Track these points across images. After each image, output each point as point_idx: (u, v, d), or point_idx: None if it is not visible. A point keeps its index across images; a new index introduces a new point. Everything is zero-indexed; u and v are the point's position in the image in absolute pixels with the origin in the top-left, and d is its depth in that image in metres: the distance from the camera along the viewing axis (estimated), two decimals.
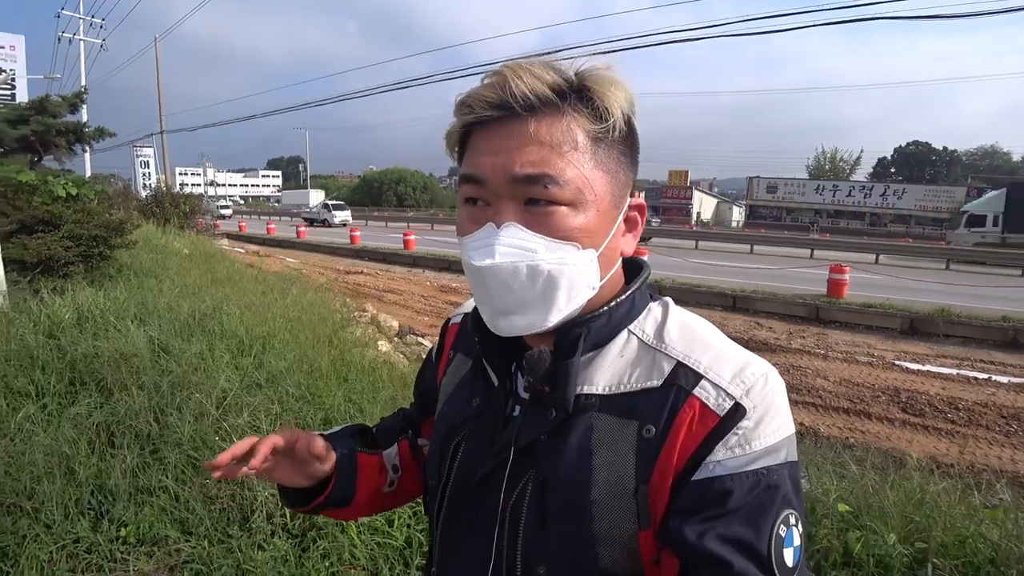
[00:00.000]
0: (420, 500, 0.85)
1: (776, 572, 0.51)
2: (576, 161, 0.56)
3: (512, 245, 0.56)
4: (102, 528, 2.14)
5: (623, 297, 0.64)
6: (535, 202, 0.56)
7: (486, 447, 0.65)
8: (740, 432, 0.54)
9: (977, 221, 25.66)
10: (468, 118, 0.58)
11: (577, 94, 0.57)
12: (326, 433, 0.79)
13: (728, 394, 0.56)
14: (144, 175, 25.84)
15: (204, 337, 3.72)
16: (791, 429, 0.58)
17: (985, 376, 7.08)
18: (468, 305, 0.83)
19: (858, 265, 15.26)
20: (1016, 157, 65.96)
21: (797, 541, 0.54)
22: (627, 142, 0.61)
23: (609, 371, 0.61)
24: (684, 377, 0.58)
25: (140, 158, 26.29)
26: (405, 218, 39.65)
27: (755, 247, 21.62)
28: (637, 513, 0.56)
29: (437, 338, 0.87)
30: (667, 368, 0.59)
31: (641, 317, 0.64)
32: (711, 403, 0.56)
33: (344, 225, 29.51)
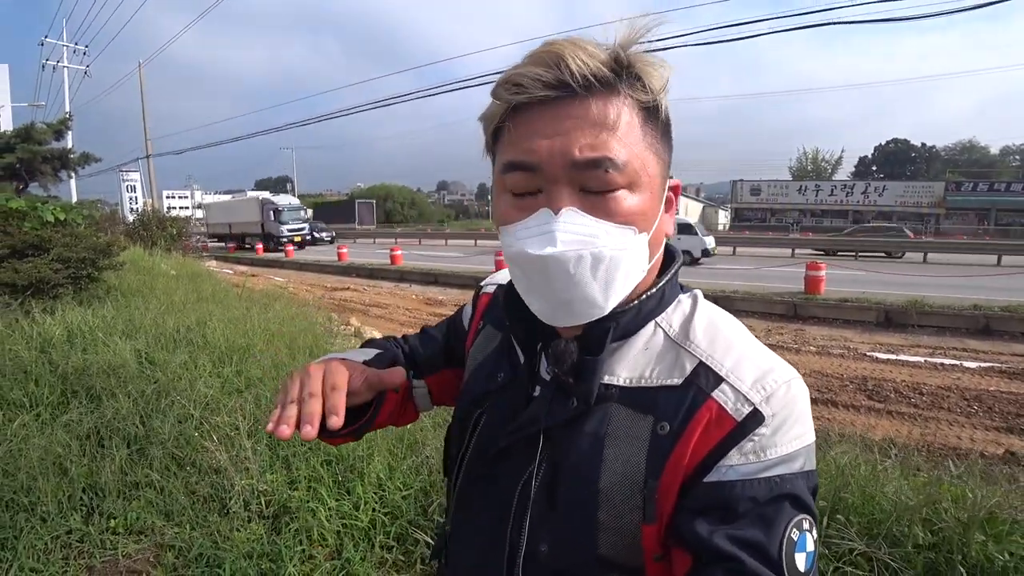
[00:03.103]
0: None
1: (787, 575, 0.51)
2: (633, 142, 0.55)
3: (574, 232, 0.54)
4: (94, 521, 2.33)
5: (654, 290, 0.63)
6: (594, 188, 0.55)
7: (505, 422, 0.66)
8: (756, 439, 0.54)
9: None
10: (519, 98, 0.54)
11: (628, 70, 0.55)
12: (368, 359, 0.76)
13: (747, 399, 0.55)
14: (131, 199, 26.04)
15: (188, 349, 3.93)
16: (810, 438, 0.57)
17: (955, 362, 7.27)
18: (500, 276, 0.84)
19: (838, 262, 15.60)
20: (994, 150, 67.12)
21: (811, 547, 0.53)
22: (665, 122, 0.60)
23: (632, 363, 0.61)
24: (704, 378, 0.57)
25: (126, 182, 26.47)
26: (393, 233, 39.89)
27: (737, 248, 22.01)
28: (643, 507, 0.56)
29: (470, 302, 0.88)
30: (689, 367, 0.58)
31: (669, 309, 0.64)
32: (729, 407, 0.55)
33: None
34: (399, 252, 19.23)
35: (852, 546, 1.95)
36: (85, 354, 3.70)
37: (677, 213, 0.66)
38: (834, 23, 11.77)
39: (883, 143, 69.25)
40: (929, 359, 7.54)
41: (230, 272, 16.61)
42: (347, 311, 10.82)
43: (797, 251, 20.31)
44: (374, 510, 2.37)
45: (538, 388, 0.66)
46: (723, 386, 0.56)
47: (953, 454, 4.49)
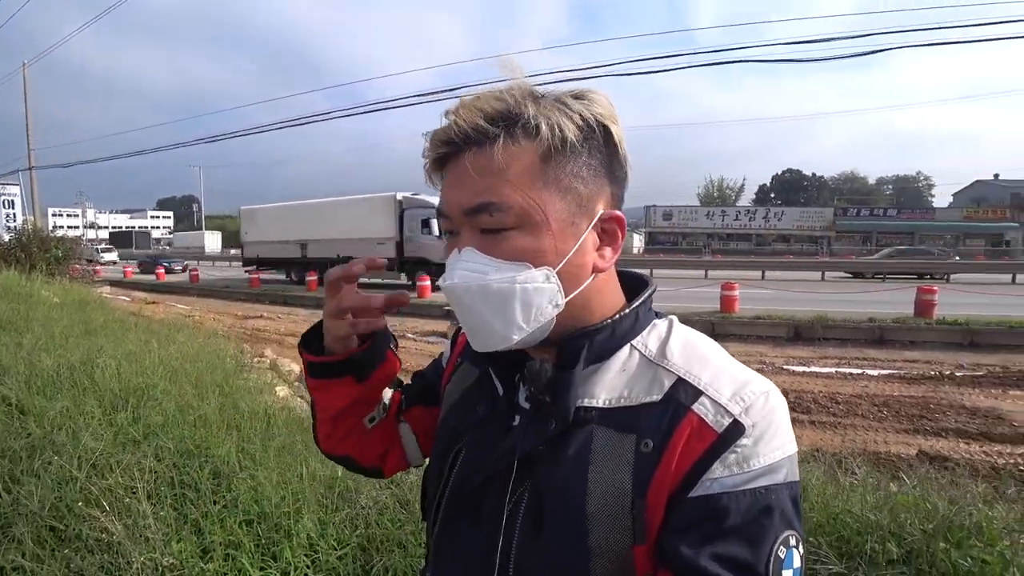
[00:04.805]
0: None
1: None
2: (519, 185, 0.57)
3: (466, 268, 0.59)
4: None
5: (627, 311, 0.64)
6: (488, 228, 0.59)
7: (486, 455, 0.65)
8: (739, 450, 0.54)
9: None
10: (428, 157, 0.62)
11: (516, 118, 0.58)
12: None
13: (727, 411, 0.55)
14: (8, 216, 23.12)
15: (71, 392, 3.34)
16: (792, 448, 0.57)
17: (860, 371, 7.89)
18: None
19: (747, 282, 16.56)
20: (871, 180, 75.42)
21: (797, 563, 0.53)
22: (594, 154, 0.61)
23: (610, 385, 0.61)
24: (684, 392, 0.58)
25: (3, 197, 23.52)
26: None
27: (654, 270, 22.93)
28: (632, 528, 0.55)
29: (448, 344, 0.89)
30: (667, 383, 0.59)
31: (645, 333, 0.65)
32: (709, 419, 0.55)
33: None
34: (314, 278, 18.19)
35: (832, 569, 1.90)
36: None
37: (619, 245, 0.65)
38: (739, 61, 12.74)
39: (779, 172, 75.82)
40: (839, 369, 8.09)
41: (127, 299, 15.09)
42: (261, 341, 10.09)
43: (710, 272, 21.47)
44: None
45: (517, 417, 0.66)
46: (702, 399, 0.57)
47: (874, 458, 4.74)
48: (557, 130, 0.57)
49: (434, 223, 16.46)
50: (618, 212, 0.63)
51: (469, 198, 0.59)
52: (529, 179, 0.58)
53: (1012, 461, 4.71)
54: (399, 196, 18.10)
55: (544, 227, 0.59)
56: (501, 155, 0.57)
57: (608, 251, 0.63)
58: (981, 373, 7.56)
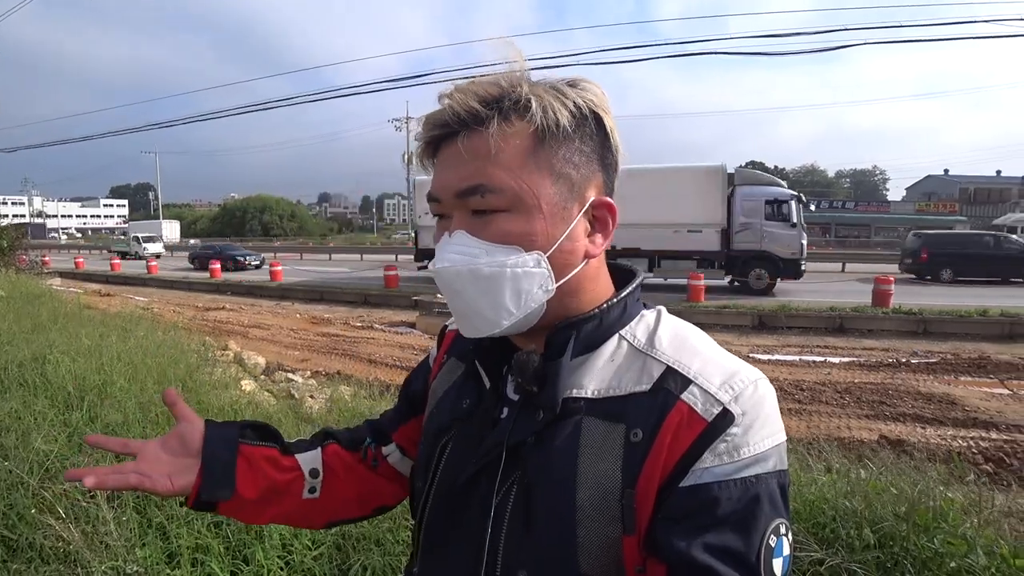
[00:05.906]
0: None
1: None
2: (511, 167, 0.57)
3: (457, 251, 0.59)
4: None
5: (615, 301, 0.64)
6: (480, 211, 0.59)
7: (473, 448, 0.64)
8: (729, 439, 0.54)
9: None
10: (421, 139, 0.62)
11: (509, 102, 0.57)
12: (211, 422, 0.74)
13: (716, 400, 0.55)
14: None
15: (20, 392, 3.16)
16: (781, 437, 0.57)
17: (822, 359, 8.13)
18: None
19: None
20: (831, 174, 77.98)
21: (787, 550, 0.54)
22: (586, 140, 0.61)
23: (599, 375, 0.61)
24: (673, 382, 0.57)
25: None
26: (271, 248, 37.70)
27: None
28: (622, 518, 0.55)
29: (435, 343, 0.88)
30: (656, 373, 0.58)
31: (633, 323, 0.64)
32: (699, 408, 0.55)
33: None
34: (279, 268, 17.95)
35: (812, 555, 1.93)
36: None
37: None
38: (706, 53, 12.94)
39: (742, 164, 77.54)
40: (802, 357, 8.32)
41: (79, 291, 14.41)
42: (224, 334, 9.77)
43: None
44: None
45: (505, 409, 0.65)
46: (692, 388, 0.56)
47: (839, 444, 4.89)
48: (551, 114, 0.57)
49: (790, 206, 13.49)
50: (609, 199, 0.63)
51: (461, 180, 0.58)
52: (521, 162, 0.58)
53: (965, 444, 4.92)
54: (723, 168, 13.71)
55: (536, 211, 0.58)
56: (494, 138, 0.57)
57: (599, 238, 0.64)
58: (934, 360, 7.87)
